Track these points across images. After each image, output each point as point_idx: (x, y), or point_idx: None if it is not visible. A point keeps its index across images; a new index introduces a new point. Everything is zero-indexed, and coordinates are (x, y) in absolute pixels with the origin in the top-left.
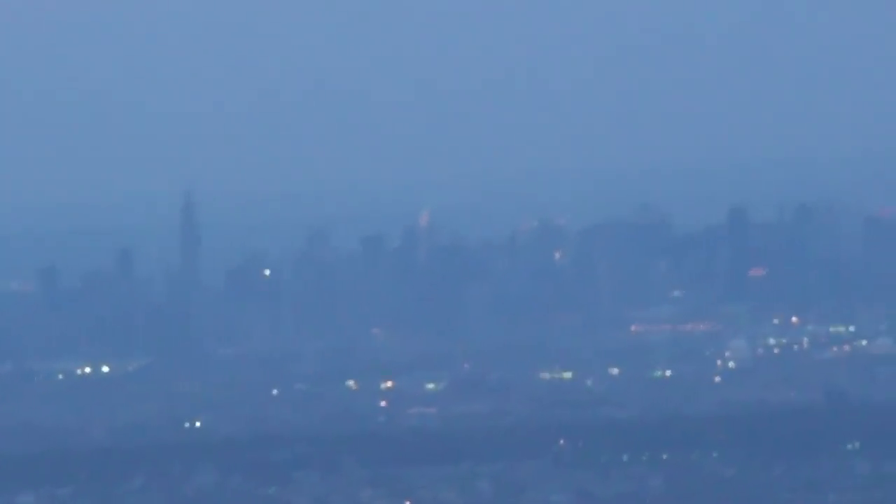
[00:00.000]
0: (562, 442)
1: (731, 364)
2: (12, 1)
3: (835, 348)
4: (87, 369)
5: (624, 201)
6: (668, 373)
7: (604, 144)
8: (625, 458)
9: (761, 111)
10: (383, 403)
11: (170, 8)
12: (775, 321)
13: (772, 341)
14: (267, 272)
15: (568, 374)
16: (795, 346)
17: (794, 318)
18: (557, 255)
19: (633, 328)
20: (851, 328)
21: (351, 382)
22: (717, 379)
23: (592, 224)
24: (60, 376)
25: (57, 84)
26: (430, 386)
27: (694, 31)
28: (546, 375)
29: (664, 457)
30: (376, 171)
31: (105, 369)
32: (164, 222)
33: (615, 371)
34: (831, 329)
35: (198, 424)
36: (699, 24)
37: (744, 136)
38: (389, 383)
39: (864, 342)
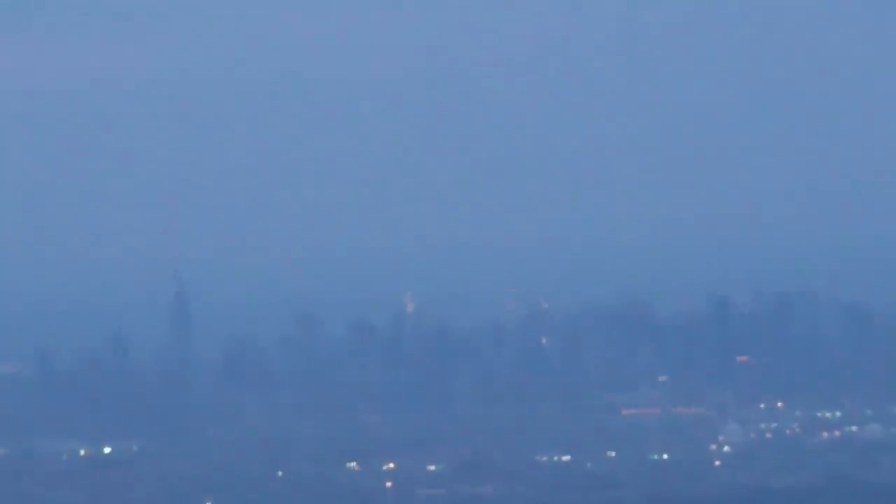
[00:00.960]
0: None
1: (726, 448)
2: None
3: (825, 433)
4: (89, 451)
5: (603, 281)
6: (665, 456)
7: (580, 224)
8: None
9: (738, 195)
10: (389, 484)
11: (162, 86)
12: (762, 406)
13: (762, 426)
14: (258, 355)
15: (566, 457)
16: (787, 431)
17: (779, 403)
18: (544, 340)
19: (624, 412)
20: (838, 413)
21: (353, 464)
22: (717, 462)
23: (579, 310)
24: (64, 457)
25: (50, 162)
26: (432, 467)
27: (671, 117)
28: (544, 458)
29: None
30: (357, 247)
31: (107, 450)
32: (155, 299)
33: (613, 454)
34: (818, 414)
35: None
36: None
37: (719, 218)
38: (391, 465)
39: (853, 428)
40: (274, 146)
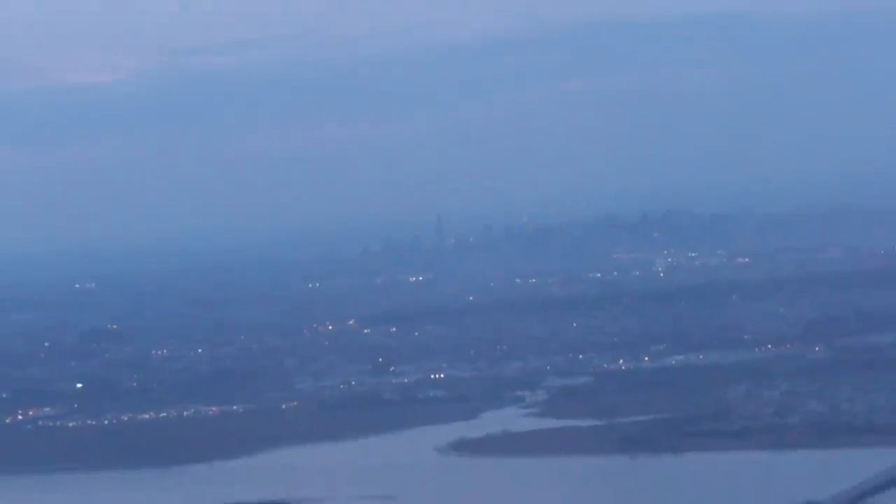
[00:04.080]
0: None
1: (660, 269)
2: None
3: (697, 263)
4: None
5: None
6: (637, 273)
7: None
8: None
9: None
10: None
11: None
12: (665, 252)
13: (669, 260)
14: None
15: (602, 275)
16: (681, 261)
17: (670, 250)
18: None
19: (614, 255)
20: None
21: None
22: (661, 274)
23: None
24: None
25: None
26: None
27: None
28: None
29: None
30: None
31: None
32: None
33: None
34: (691, 255)
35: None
36: None
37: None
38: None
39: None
40: None
